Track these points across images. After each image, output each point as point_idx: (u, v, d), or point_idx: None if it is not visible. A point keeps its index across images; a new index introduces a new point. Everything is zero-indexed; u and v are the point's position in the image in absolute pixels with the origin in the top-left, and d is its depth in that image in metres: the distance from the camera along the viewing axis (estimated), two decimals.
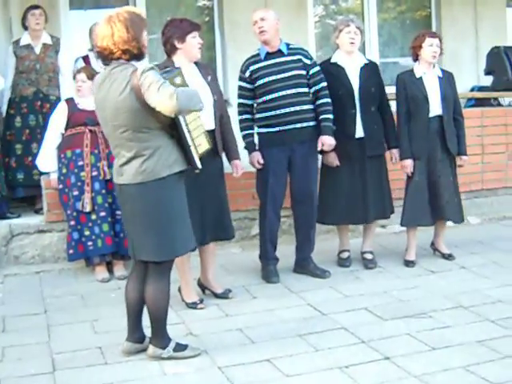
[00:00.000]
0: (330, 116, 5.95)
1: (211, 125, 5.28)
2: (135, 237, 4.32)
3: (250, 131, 6.00)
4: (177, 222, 4.27)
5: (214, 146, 5.24)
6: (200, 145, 4.34)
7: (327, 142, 5.92)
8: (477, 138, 7.75)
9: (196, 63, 5.37)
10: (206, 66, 5.62)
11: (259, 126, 5.98)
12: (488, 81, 9.18)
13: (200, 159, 4.34)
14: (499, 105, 9.21)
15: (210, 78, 5.40)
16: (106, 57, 4.19)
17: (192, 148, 4.24)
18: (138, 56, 4.21)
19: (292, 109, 5.83)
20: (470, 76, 9.52)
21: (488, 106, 8.92)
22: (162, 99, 3.93)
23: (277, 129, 5.87)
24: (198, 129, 4.35)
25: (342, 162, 6.11)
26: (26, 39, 7.19)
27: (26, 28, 7.23)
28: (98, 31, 4.21)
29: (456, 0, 9.58)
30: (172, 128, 4.18)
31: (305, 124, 5.89)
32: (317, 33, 9.30)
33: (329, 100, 5.97)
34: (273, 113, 5.85)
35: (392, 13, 9.87)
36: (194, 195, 5.17)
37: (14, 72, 7.18)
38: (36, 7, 7.20)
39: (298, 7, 8.87)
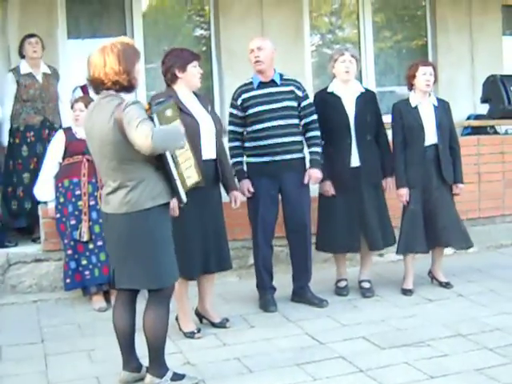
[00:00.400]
0: (319, 149, 5.99)
1: (213, 154, 5.30)
2: (119, 265, 4.32)
3: (240, 159, 5.99)
4: (162, 251, 4.25)
5: (215, 175, 5.29)
6: (190, 177, 4.33)
7: (314, 175, 5.94)
8: (473, 167, 7.78)
9: (194, 93, 5.40)
10: (205, 97, 5.64)
11: (248, 156, 5.99)
12: (484, 109, 9.20)
13: (190, 191, 4.34)
14: (496, 133, 9.24)
15: (209, 107, 5.43)
16: (97, 86, 4.24)
17: (178, 182, 4.22)
18: (128, 88, 4.24)
19: (281, 140, 5.84)
20: (467, 104, 9.55)
21: (484, 134, 8.95)
22: (138, 138, 3.93)
23: (266, 159, 5.87)
24: (188, 161, 4.34)
25: (337, 190, 6.12)
26: (25, 68, 7.18)
27: (22, 56, 7.23)
28: (91, 60, 4.24)
29: (452, 28, 9.65)
30: (158, 160, 4.16)
31: (294, 156, 5.90)
32: (313, 62, 9.34)
33: (318, 133, 6.00)
34: (262, 143, 5.86)
35: (388, 42, 9.93)
36: (196, 225, 5.20)
37: (13, 100, 7.15)
38: (32, 36, 7.22)
39: (294, 36, 8.93)
